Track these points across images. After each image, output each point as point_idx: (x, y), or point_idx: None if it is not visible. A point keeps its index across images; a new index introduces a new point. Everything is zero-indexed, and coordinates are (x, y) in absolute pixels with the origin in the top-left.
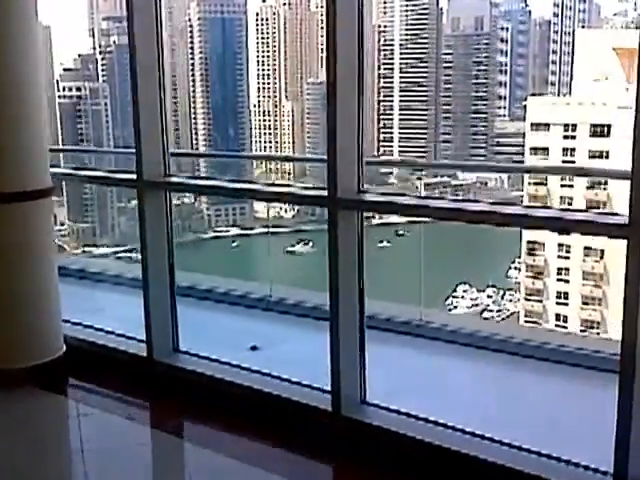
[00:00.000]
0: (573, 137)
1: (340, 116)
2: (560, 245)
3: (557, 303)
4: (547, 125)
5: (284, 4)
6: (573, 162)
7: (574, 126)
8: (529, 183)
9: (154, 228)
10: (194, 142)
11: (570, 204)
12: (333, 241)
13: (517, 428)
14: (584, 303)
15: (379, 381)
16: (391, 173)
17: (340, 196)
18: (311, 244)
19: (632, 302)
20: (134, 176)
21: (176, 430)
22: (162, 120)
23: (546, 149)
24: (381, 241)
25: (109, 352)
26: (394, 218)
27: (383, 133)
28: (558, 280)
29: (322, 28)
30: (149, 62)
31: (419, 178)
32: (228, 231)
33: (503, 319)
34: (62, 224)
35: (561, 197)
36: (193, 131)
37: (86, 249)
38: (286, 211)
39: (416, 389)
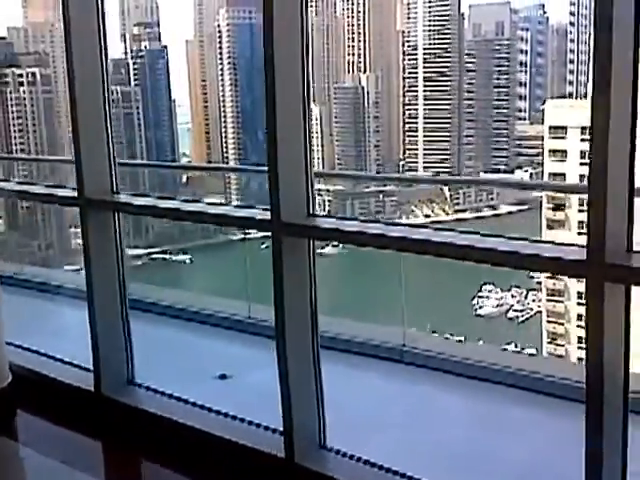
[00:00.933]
0: (591, 139)
1: (281, 127)
2: None
3: (578, 304)
4: (564, 128)
5: (310, 10)
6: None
7: (592, 129)
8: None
9: (100, 250)
10: (224, 145)
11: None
12: (278, 273)
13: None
14: None
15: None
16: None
17: (284, 220)
18: (340, 245)
19: (595, 346)
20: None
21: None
22: (107, 128)
23: (564, 151)
24: None
25: (55, 384)
26: (419, 219)
27: (408, 136)
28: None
29: (348, 34)
30: (89, 64)
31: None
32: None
33: (527, 319)
34: None
35: (580, 199)
36: (223, 135)
37: None
38: (318, 212)
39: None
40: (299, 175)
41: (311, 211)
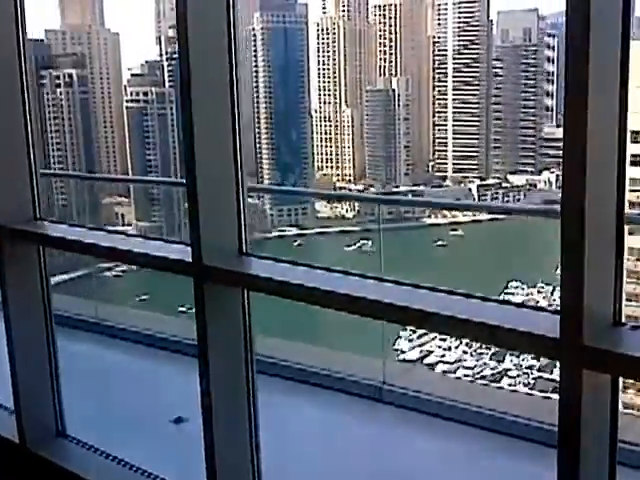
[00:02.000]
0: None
1: (202, 142)
2: None
3: None
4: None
5: (343, 16)
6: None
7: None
8: None
9: (19, 284)
10: (257, 146)
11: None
12: (201, 327)
13: None
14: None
15: None
16: (445, 176)
17: (207, 264)
18: (370, 242)
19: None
20: None
21: None
22: (28, 140)
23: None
24: (437, 239)
25: None
26: (447, 219)
27: (438, 137)
28: None
29: (380, 39)
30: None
31: (471, 181)
32: (290, 230)
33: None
34: (129, 224)
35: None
36: (256, 135)
37: None
38: (347, 211)
39: None
40: (227, 204)
41: (244, 249)
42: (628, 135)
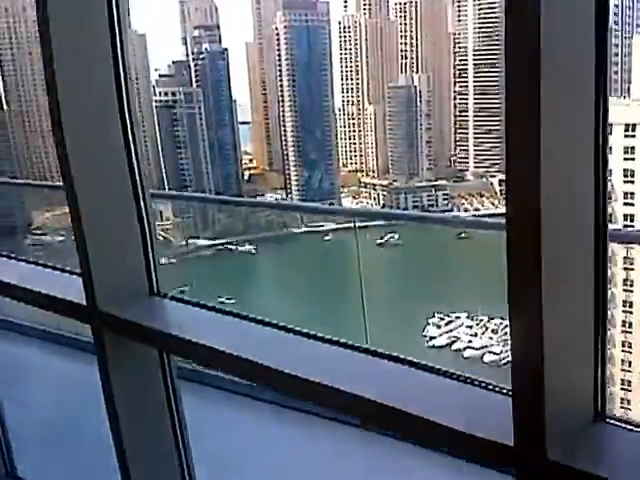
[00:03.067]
0: (633, 136)
1: (79, 153)
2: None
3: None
4: (609, 125)
5: (365, 13)
6: (633, 159)
7: (634, 125)
8: None
9: None
10: (283, 143)
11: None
12: (106, 388)
13: None
14: None
15: None
16: (467, 170)
17: (103, 309)
18: (397, 236)
19: None
20: None
21: None
22: None
23: (610, 147)
24: (459, 234)
25: None
26: (470, 212)
27: (459, 133)
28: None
29: (401, 36)
30: None
31: (493, 175)
32: (322, 225)
33: None
34: (167, 219)
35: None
36: (282, 133)
37: (190, 241)
38: (372, 205)
39: None
40: (126, 229)
41: (156, 288)
42: None
